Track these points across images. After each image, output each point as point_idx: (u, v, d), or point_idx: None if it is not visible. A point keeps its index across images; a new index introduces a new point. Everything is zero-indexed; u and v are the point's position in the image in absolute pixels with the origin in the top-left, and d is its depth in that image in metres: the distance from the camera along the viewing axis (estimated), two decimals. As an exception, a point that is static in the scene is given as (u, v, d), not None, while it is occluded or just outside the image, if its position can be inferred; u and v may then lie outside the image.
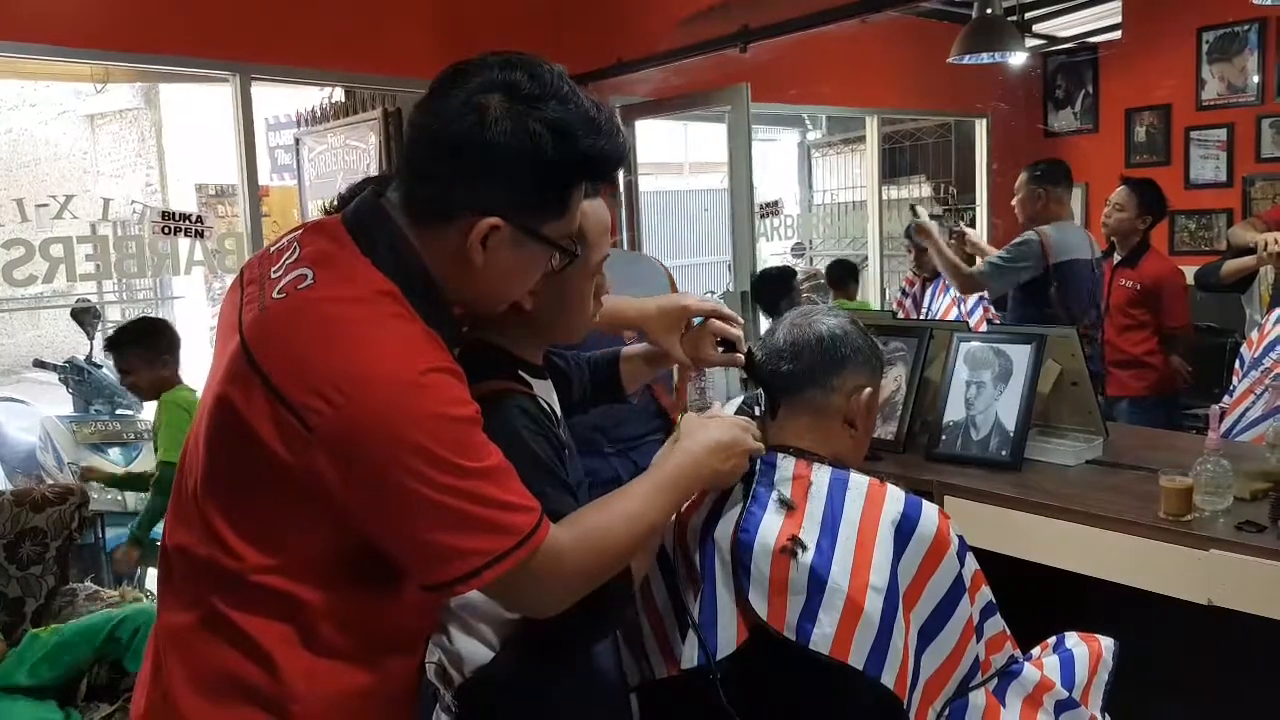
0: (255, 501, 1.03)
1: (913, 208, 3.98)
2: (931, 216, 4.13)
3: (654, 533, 1.23)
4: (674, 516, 1.42)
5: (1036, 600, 1.89)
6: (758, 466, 1.40)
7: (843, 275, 4.96)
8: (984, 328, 3.63)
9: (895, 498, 1.35)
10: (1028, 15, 5.08)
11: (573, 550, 1.07)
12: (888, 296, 5.93)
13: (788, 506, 1.35)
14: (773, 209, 5.03)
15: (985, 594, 1.39)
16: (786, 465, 1.40)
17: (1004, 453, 2.32)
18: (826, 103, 5.57)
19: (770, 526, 1.33)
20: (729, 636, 1.33)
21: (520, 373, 1.26)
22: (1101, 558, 2.03)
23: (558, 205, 1.09)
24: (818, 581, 1.28)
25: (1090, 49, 5.63)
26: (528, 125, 1.02)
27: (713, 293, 5.56)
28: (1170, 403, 3.85)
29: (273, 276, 1.06)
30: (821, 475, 1.38)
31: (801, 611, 1.28)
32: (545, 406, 1.25)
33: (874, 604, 1.27)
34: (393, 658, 1.14)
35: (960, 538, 1.37)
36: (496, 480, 1.02)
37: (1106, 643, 1.51)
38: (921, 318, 3.98)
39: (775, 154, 7.64)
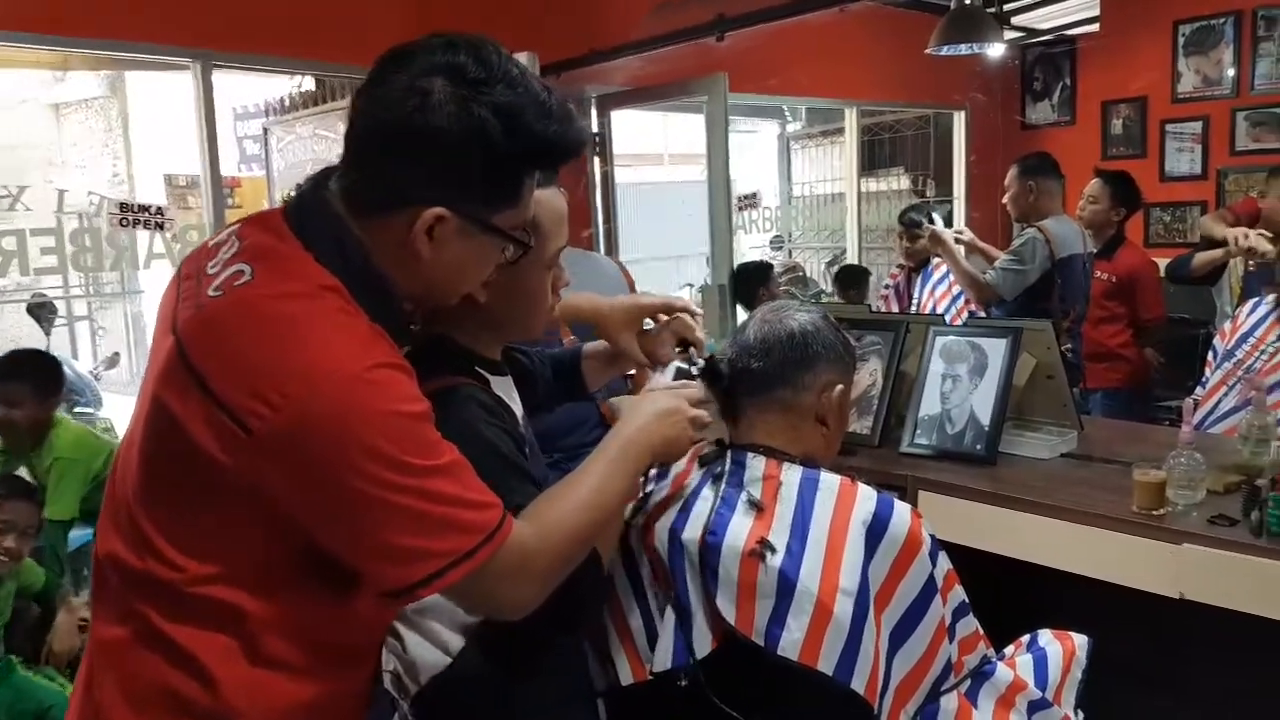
0: (193, 509, 0.98)
1: (930, 213, 3.90)
2: (912, 209, 4.11)
3: (616, 510, 1.20)
4: (642, 520, 1.39)
5: (1010, 595, 1.87)
6: (727, 466, 1.37)
7: (849, 281, 4.89)
8: (964, 317, 3.61)
9: (867, 497, 1.32)
10: (1006, 7, 5.07)
11: (538, 543, 1.03)
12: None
13: (757, 508, 1.31)
14: (751, 201, 5.00)
15: (958, 594, 1.37)
16: (756, 465, 1.37)
17: (979, 447, 2.30)
18: (805, 93, 5.55)
19: (739, 528, 1.30)
20: (702, 640, 1.30)
21: (477, 369, 1.22)
22: (1075, 552, 2.02)
23: (508, 194, 1.05)
24: (787, 585, 1.25)
25: (1068, 41, 5.63)
26: (472, 110, 0.98)
27: (690, 285, 5.53)
28: (1144, 395, 3.86)
29: (209, 272, 1.01)
30: (792, 475, 1.35)
31: (770, 616, 1.25)
32: (503, 401, 1.21)
33: (844, 607, 1.24)
34: (342, 668, 1.09)
35: (932, 537, 1.34)
36: (454, 477, 0.98)
37: (1080, 640, 1.49)
38: (911, 308, 3.95)
39: (754, 146, 7.61)
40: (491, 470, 1.05)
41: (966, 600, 1.38)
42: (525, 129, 1.00)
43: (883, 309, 4.00)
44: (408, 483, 0.94)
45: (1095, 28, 5.27)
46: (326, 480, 0.93)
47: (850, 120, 5.79)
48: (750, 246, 6.18)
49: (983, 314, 3.61)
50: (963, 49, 3.85)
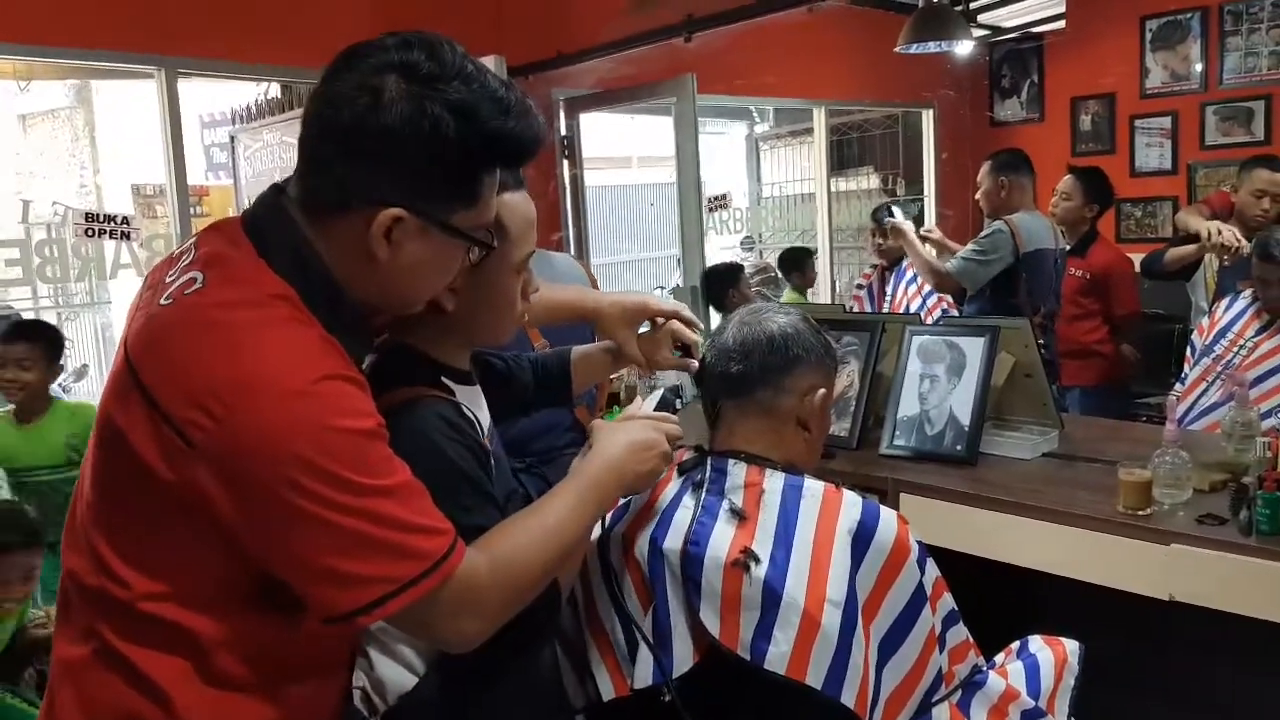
0: (141, 525, 0.94)
1: (889, 206, 3.92)
2: (883, 207, 4.09)
3: (576, 547, 1.15)
4: (620, 530, 1.34)
5: (995, 599, 1.84)
6: (707, 474, 1.32)
7: (796, 261, 4.93)
8: (935, 315, 3.59)
9: (852, 504, 1.28)
10: (972, 5, 5.08)
11: (490, 576, 0.99)
12: (838, 289, 5.91)
13: (739, 516, 1.27)
14: (721, 202, 4.97)
15: (947, 601, 1.32)
16: (738, 472, 1.32)
17: (959, 447, 2.27)
18: (774, 94, 5.53)
19: (721, 538, 1.25)
20: (684, 654, 1.25)
21: (443, 379, 1.16)
22: (1061, 554, 1.98)
23: (467, 193, 1.00)
24: (772, 596, 1.20)
25: (1035, 38, 5.65)
26: (426, 107, 0.93)
27: (662, 288, 5.49)
28: (1121, 391, 3.86)
29: (166, 281, 0.98)
30: (774, 482, 1.31)
31: (756, 628, 1.20)
32: (468, 414, 1.15)
33: (832, 619, 1.20)
34: (304, 688, 1.04)
35: (920, 544, 1.30)
36: (401, 500, 0.93)
37: (1071, 646, 1.46)
38: (884, 308, 3.93)
39: (723, 147, 7.59)
40: (453, 489, 1.01)
41: (955, 608, 1.34)
42: (481, 125, 0.96)
43: (856, 309, 3.97)
44: (350, 502, 0.89)
45: (1062, 25, 5.31)
46: (266, 496, 0.88)
47: (819, 120, 5.78)
48: (721, 248, 6.16)
49: (955, 313, 3.59)
50: (931, 47, 3.85)
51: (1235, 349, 2.92)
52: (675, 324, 1.46)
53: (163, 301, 0.95)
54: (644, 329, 1.49)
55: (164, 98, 3.53)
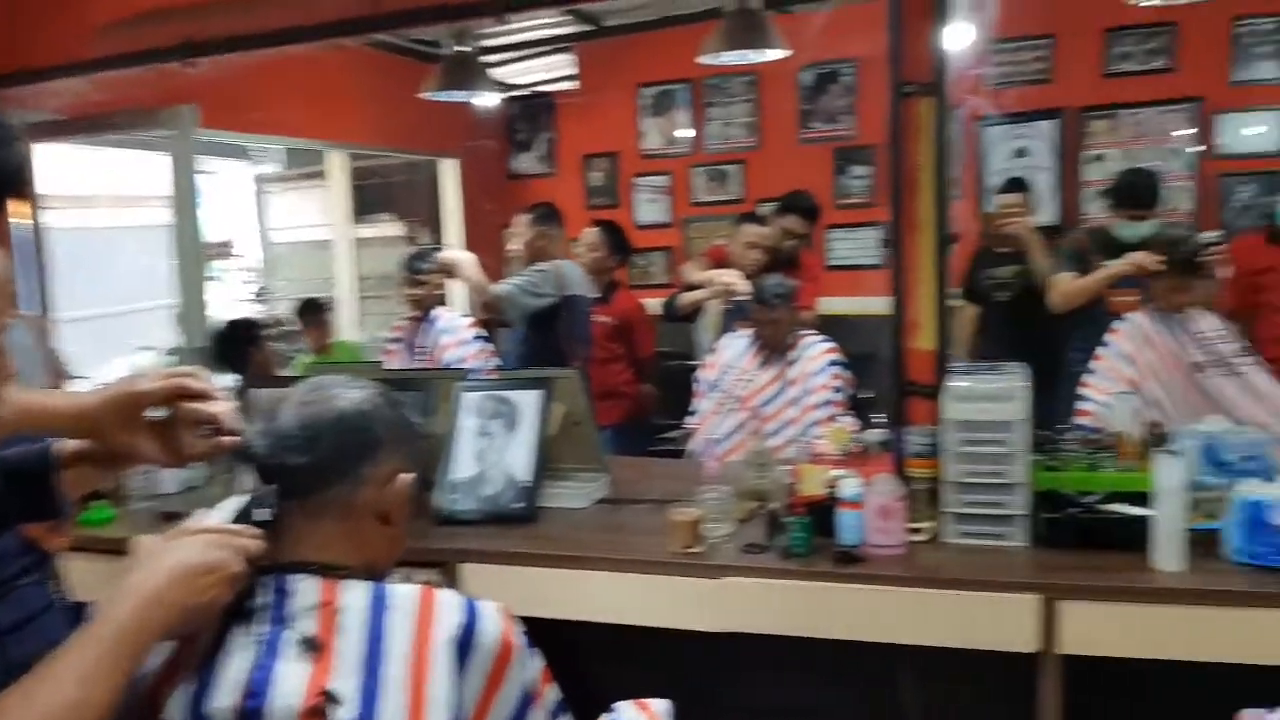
0: None
1: (426, 254, 3.79)
2: (416, 256, 3.93)
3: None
4: (145, 688, 1.02)
5: (595, 660, 1.78)
6: (269, 598, 1.05)
7: (313, 312, 4.66)
8: (478, 364, 3.53)
9: (450, 608, 1.09)
10: (484, 59, 5.17)
11: None
12: (366, 342, 5.63)
13: (313, 648, 1.02)
14: (224, 250, 4.48)
15: (552, 694, 1.19)
16: (308, 590, 1.06)
17: (519, 505, 2.20)
18: (285, 132, 5.14)
19: (291, 681, 1.00)
20: None
21: None
22: (624, 602, 1.99)
23: None
24: None
25: (548, 96, 5.95)
26: None
27: (153, 349, 4.78)
28: (646, 427, 4.12)
29: None
30: (354, 597, 1.07)
31: None
32: None
33: None
34: None
35: (525, 635, 1.15)
36: None
37: (660, 707, 1.41)
38: (417, 359, 3.76)
39: (220, 189, 6.93)
40: None
41: (562, 698, 1.21)
42: None
43: (392, 363, 3.77)
44: None
45: (576, 85, 5.63)
46: None
47: (336, 164, 5.52)
48: (233, 300, 5.60)
49: (496, 361, 3.58)
50: (458, 96, 3.83)
51: (741, 383, 3.24)
52: (185, 404, 1.13)
53: None
54: (159, 413, 1.13)
55: None
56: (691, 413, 3.39)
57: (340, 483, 1.10)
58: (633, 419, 4.03)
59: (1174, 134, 4.77)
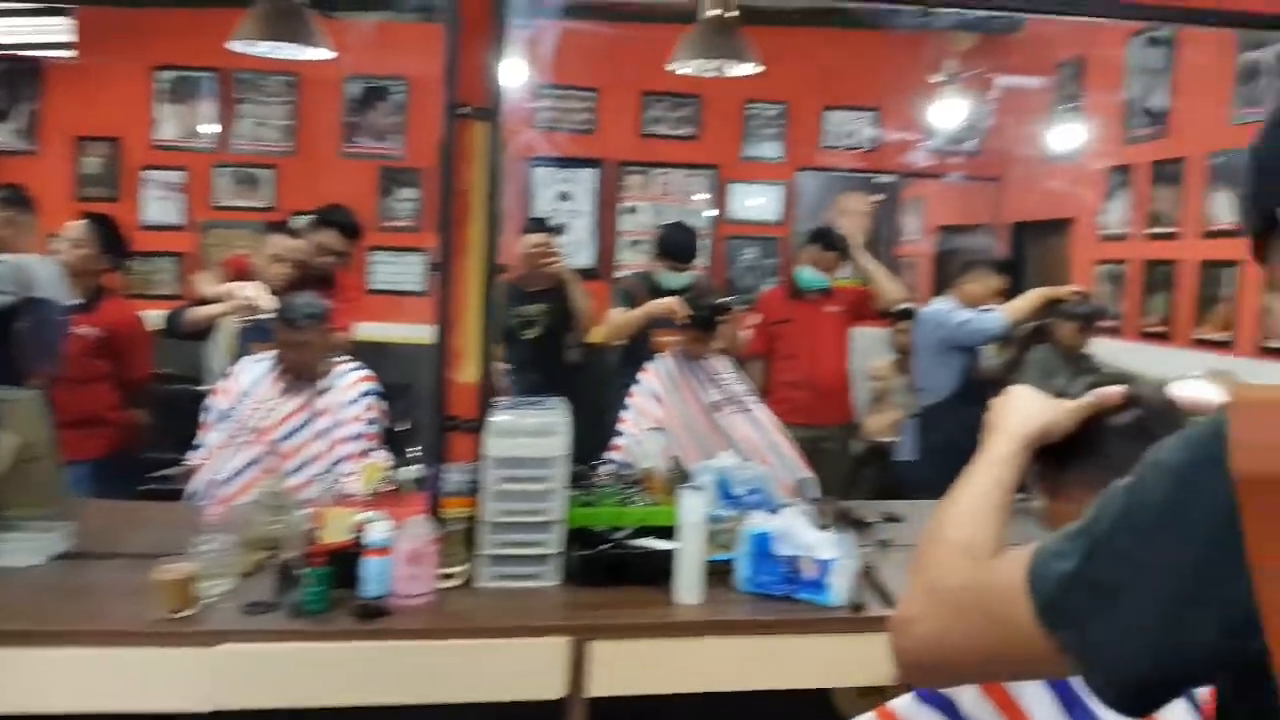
0: None
1: None
2: None
3: None
4: None
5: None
6: None
7: None
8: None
9: None
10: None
11: None
12: None
13: None
14: None
15: None
16: None
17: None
18: None
19: None
20: None
21: None
22: (93, 685, 1.59)
23: None
24: None
25: (34, 61, 5.00)
26: None
27: None
28: (135, 462, 3.52)
29: None
30: None
31: None
32: None
33: None
34: None
35: None
36: None
37: None
38: None
39: None
40: None
41: None
42: None
43: None
44: None
45: (72, 54, 4.78)
46: None
47: None
48: None
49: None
50: None
51: (258, 412, 2.88)
52: None
53: None
54: None
55: None
56: (196, 446, 2.94)
57: None
58: (119, 453, 3.42)
59: (694, 196, 5.29)
